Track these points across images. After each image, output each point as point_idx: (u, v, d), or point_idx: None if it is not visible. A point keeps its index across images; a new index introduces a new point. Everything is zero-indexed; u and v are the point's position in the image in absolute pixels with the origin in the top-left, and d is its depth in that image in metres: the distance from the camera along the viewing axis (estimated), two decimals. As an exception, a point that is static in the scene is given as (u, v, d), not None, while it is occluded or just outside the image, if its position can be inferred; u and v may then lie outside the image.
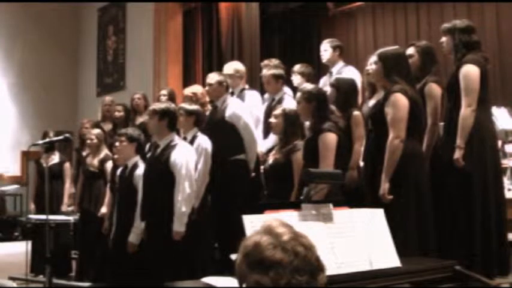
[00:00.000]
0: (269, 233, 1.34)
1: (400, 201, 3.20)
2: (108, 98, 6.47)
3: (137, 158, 4.33)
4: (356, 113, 3.97)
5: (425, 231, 3.25)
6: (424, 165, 3.42)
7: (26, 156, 8.83)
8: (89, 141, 5.49)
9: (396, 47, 3.76)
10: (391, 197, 3.20)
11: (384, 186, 3.22)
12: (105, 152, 5.42)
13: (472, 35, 3.64)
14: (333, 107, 3.80)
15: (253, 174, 4.58)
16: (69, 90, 9.80)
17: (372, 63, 3.72)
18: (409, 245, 3.04)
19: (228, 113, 4.55)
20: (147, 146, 4.62)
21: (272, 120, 4.12)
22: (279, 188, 3.98)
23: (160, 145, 4.04)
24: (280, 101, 4.83)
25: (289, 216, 1.98)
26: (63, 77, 9.73)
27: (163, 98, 5.39)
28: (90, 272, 5.35)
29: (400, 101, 3.26)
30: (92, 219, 5.31)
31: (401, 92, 3.27)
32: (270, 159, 4.11)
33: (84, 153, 5.85)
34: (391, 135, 3.25)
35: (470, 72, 3.50)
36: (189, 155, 3.99)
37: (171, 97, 5.57)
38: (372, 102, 3.98)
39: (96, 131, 5.60)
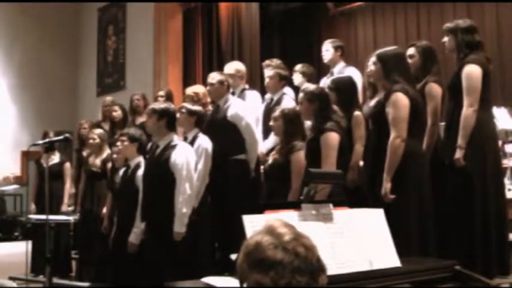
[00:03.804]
0: (270, 233, 1.35)
1: (401, 200, 3.19)
2: (108, 99, 6.48)
3: (140, 159, 4.32)
4: (357, 113, 3.97)
5: (425, 231, 3.25)
6: (425, 165, 3.41)
7: (26, 156, 8.83)
8: (91, 141, 5.48)
9: (395, 47, 3.76)
10: (393, 196, 3.20)
11: (386, 185, 3.22)
12: (107, 152, 5.41)
13: (474, 35, 3.65)
14: (335, 107, 3.79)
15: (253, 174, 4.59)
16: (69, 90, 9.80)
17: (371, 64, 3.72)
18: (409, 245, 3.04)
19: (230, 113, 4.55)
20: (149, 146, 4.62)
21: (272, 123, 4.10)
22: (278, 188, 3.97)
23: (160, 145, 4.04)
24: (278, 102, 4.83)
25: (289, 216, 1.97)
26: (63, 77, 9.72)
27: (161, 99, 5.40)
28: (90, 272, 5.35)
29: (401, 100, 3.26)
30: (93, 219, 5.31)
31: (402, 92, 3.27)
32: (270, 160, 4.11)
33: (84, 154, 5.85)
34: (392, 135, 3.24)
35: (472, 72, 3.51)
36: (189, 156, 3.99)
37: (169, 98, 5.59)
38: (373, 103, 3.97)
39: (99, 131, 5.60)
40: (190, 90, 5.07)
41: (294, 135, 3.95)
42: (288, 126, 3.94)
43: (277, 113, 4.05)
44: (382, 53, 3.48)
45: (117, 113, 5.88)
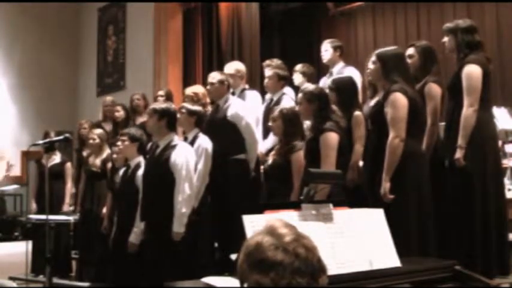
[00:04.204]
0: (271, 234, 1.35)
1: (401, 200, 3.19)
2: (109, 98, 6.48)
3: (140, 158, 4.32)
4: (357, 113, 3.97)
5: (425, 231, 3.25)
6: (424, 164, 3.41)
7: (26, 156, 8.82)
8: (91, 141, 5.48)
9: (395, 47, 3.75)
10: (392, 196, 3.20)
11: (385, 185, 3.22)
12: (107, 152, 5.41)
13: (474, 35, 3.65)
14: (334, 107, 3.79)
15: (253, 174, 4.59)
16: (69, 90, 9.79)
17: (370, 63, 3.71)
18: (409, 245, 3.04)
19: (230, 113, 4.55)
20: (149, 146, 4.62)
21: (270, 123, 4.09)
22: (278, 188, 3.97)
23: (160, 145, 4.04)
24: (278, 102, 4.83)
25: (289, 216, 1.97)
26: (63, 77, 9.72)
27: (161, 99, 5.40)
28: (90, 272, 5.35)
29: (400, 100, 3.26)
30: (93, 219, 5.31)
31: (401, 92, 3.26)
32: (269, 160, 4.11)
33: (84, 154, 5.85)
34: (391, 135, 3.24)
35: (472, 72, 3.51)
36: (189, 156, 3.99)
37: (168, 97, 5.59)
38: (373, 102, 3.97)
39: (98, 131, 5.60)
40: (189, 91, 5.08)
41: (293, 136, 3.94)
42: (287, 127, 3.94)
43: (276, 113, 4.04)
44: (381, 53, 3.48)
45: (120, 113, 5.88)
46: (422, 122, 3.48)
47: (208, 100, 4.99)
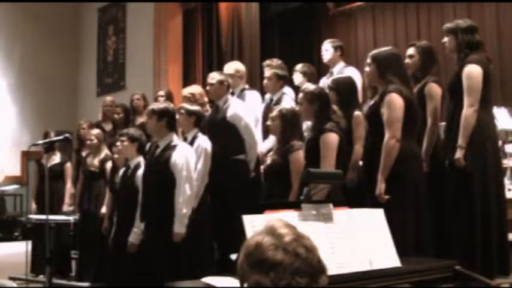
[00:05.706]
0: (271, 234, 1.34)
1: (398, 201, 3.19)
2: (108, 99, 6.48)
3: (140, 159, 4.33)
4: (357, 113, 3.96)
5: (423, 231, 3.24)
6: (421, 165, 3.41)
7: (26, 156, 8.83)
8: (89, 142, 5.49)
9: (389, 47, 3.73)
10: (387, 197, 3.19)
11: (380, 186, 3.21)
12: (105, 152, 5.42)
13: (474, 35, 3.64)
14: (334, 107, 3.79)
15: (252, 174, 4.59)
16: (69, 90, 9.80)
17: (366, 65, 3.71)
18: (406, 245, 3.04)
19: (229, 113, 4.55)
20: (148, 146, 4.62)
21: (269, 123, 4.09)
22: (278, 188, 3.97)
23: (160, 145, 4.04)
24: (278, 102, 4.83)
25: (289, 216, 1.97)
26: (63, 77, 9.72)
27: (161, 99, 5.40)
28: (90, 272, 5.36)
29: (395, 100, 3.25)
30: (92, 219, 5.31)
31: (397, 92, 3.26)
32: (268, 160, 4.10)
33: (83, 154, 5.86)
34: (386, 136, 3.24)
35: (473, 72, 3.50)
36: (189, 156, 3.99)
37: (169, 97, 5.59)
38: (372, 103, 3.97)
39: (96, 131, 5.61)
40: (186, 91, 5.08)
41: (291, 136, 3.93)
42: (286, 127, 3.93)
43: (274, 113, 4.04)
44: (376, 54, 3.47)
45: (120, 115, 5.90)
46: (418, 122, 3.48)
47: (206, 100, 4.99)
